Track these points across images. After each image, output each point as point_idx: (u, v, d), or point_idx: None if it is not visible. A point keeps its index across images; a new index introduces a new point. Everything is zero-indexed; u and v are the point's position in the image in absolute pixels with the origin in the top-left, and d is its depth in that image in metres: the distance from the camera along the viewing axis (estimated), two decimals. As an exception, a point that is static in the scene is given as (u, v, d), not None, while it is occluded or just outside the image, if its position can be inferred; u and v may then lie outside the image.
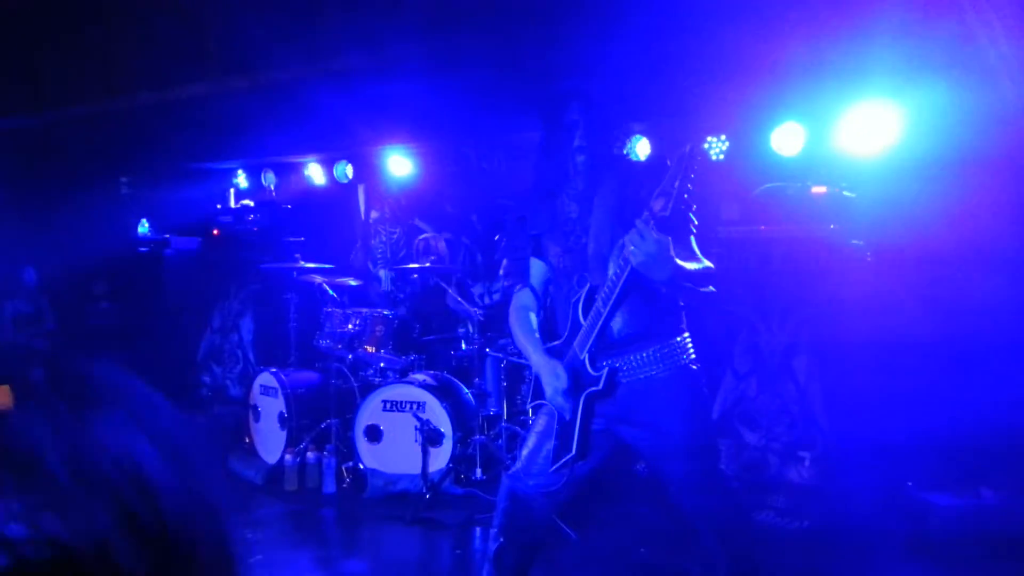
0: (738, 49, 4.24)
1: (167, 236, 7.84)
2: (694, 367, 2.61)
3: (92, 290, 7.73)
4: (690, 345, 2.64)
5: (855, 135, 4.68)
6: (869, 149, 4.64)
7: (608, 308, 2.49)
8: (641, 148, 5.27)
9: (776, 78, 4.40)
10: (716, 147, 5.06)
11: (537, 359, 2.68)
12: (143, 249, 7.90)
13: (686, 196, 2.34)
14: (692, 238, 2.57)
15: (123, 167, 8.10)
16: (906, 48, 4.08)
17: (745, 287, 4.69)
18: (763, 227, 4.90)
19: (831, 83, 4.54)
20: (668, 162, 2.50)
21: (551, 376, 2.61)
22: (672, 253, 2.33)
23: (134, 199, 8.26)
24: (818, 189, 4.76)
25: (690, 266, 2.44)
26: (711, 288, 2.54)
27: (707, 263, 2.55)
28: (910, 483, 3.94)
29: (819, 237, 4.62)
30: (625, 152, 5.27)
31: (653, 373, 2.57)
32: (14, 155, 7.01)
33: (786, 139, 4.93)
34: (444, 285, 5.36)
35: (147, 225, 8.06)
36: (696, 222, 2.56)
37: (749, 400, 4.65)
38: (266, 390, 5.48)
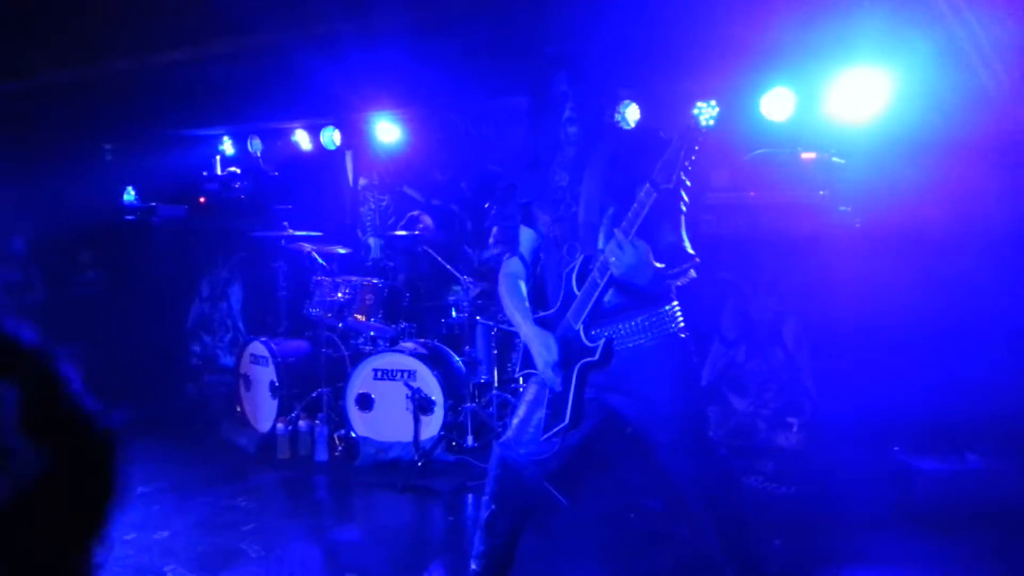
0: (728, 13, 4.20)
1: (153, 204, 7.76)
2: (683, 335, 2.63)
3: (78, 259, 7.67)
4: (679, 313, 2.65)
5: (845, 101, 4.67)
6: (859, 115, 4.62)
7: (604, 282, 2.50)
8: (630, 114, 5.23)
9: (766, 43, 4.36)
10: (706, 112, 5.03)
11: (527, 330, 2.68)
12: (129, 217, 7.83)
13: (688, 168, 2.35)
14: (682, 217, 2.57)
15: (107, 134, 7.99)
16: (896, 13, 4.06)
17: (734, 254, 4.70)
18: (752, 193, 4.89)
19: (821, 48, 4.51)
20: (661, 133, 2.49)
21: (542, 348, 2.62)
22: (651, 260, 2.34)
23: (119, 166, 8.16)
24: (807, 155, 4.76)
25: (663, 266, 2.45)
26: (692, 275, 2.56)
27: (689, 248, 2.55)
28: (896, 448, 4.00)
29: (808, 203, 4.63)
30: (616, 120, 5.24)
31: (642, 342, 2.59)
32: (1, 122, 6.91)
33: (776, 104, 4.91)
34: (433, 253, 5.35)
35: (133, 193, 7.98)
36: (687, 200, 2.57)
37: (738, 366, 4.69)
38: (256, 359, 5.49)
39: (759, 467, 4.28)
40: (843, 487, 4.08)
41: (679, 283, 2.58)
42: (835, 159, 4.68)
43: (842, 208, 4.57)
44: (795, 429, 4.41)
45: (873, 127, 4.57)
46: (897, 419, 4.10)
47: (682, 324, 2.66)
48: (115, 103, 6.78)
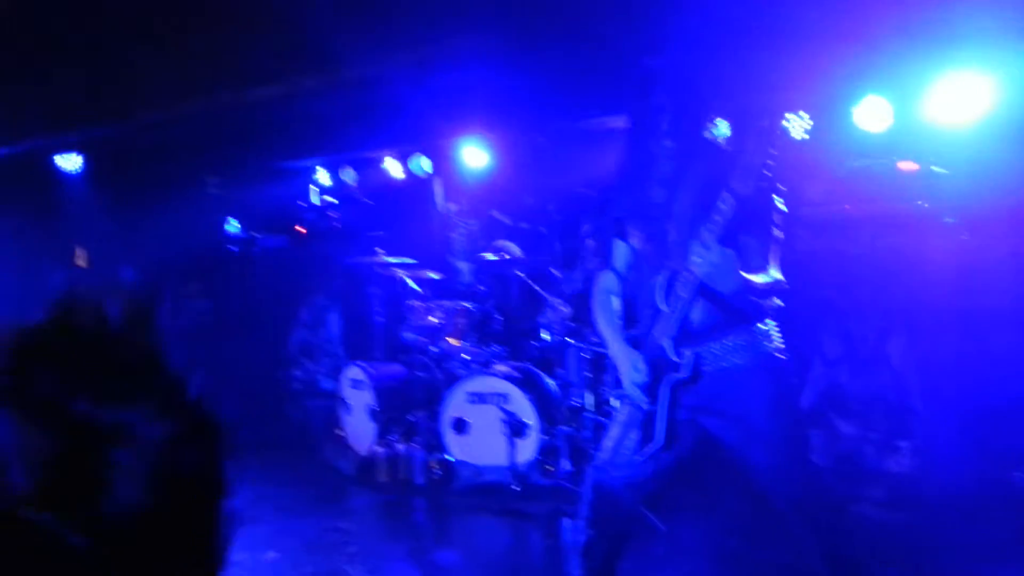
0: (818, 19, 4.11)
1: (254, 234, 8.10)
2: (780, 355, 2.57)
3: (186, 289, 8.06)
4: (775, 332, 2.60)
5: (944, 108, 4.48)
6: (960, 122, 4.43)
7: (689, 297, 2.48)
8: (722, 129, 5.16)
9: (859, 49, 4.25)
10: (797, 125, 4.91)
11: (616, 348, 2.68)
12: (232, 247, 8.19)
13: (768, 174, 2.31)
14: (772, 244, 2.52)
15: (210, 169, 8.40)
16: (998, 13, 3.89)
17: (832, 270, 4.56)
18: (849, 207, 4.75)
19: (917, 53, 4.36)
20: (748, 144, 2.47)
21: (629, 368, 2.61)
22: (736, 266, 2.32)
23: (222, 199, 8.56)
24: (906, 165, 4.59)
25: (756, 279, 2.40)
26: (777, 302, 2.51)
27: (777, 273, 2.50)
28: (1018, 473, 3.79)
29: (909, 216, 4.46)
30: (712, 135, 5.16)
31: (737, 361, 2.54)
32: (111, 160, 7.36)
33: (870, 114, 4.76)
34: (523, 276, 5.39)
35: (235, 224, 8.35)
36: (783, 208, 2.51)
37: (841, 388, 4.53)
38: (355, 383, 5.64)
39: (868, 493, 4.12)
40: (958, 514, 3.88)
41: (765, 303, 2.53)
42: (936, 169, 4.50)
43: (947, 220, 4.38)
44: (906, 453, 4.23)
45: (976, 134, 4.37)
46: (1016, 442, 3.88)
47: (780, 343, 2.60)
48: (217, 139, 7.13)
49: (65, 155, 7.19)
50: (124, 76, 5.91)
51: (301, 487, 5.02)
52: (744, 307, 2.50)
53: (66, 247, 8.14)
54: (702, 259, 2.34)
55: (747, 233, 2.45)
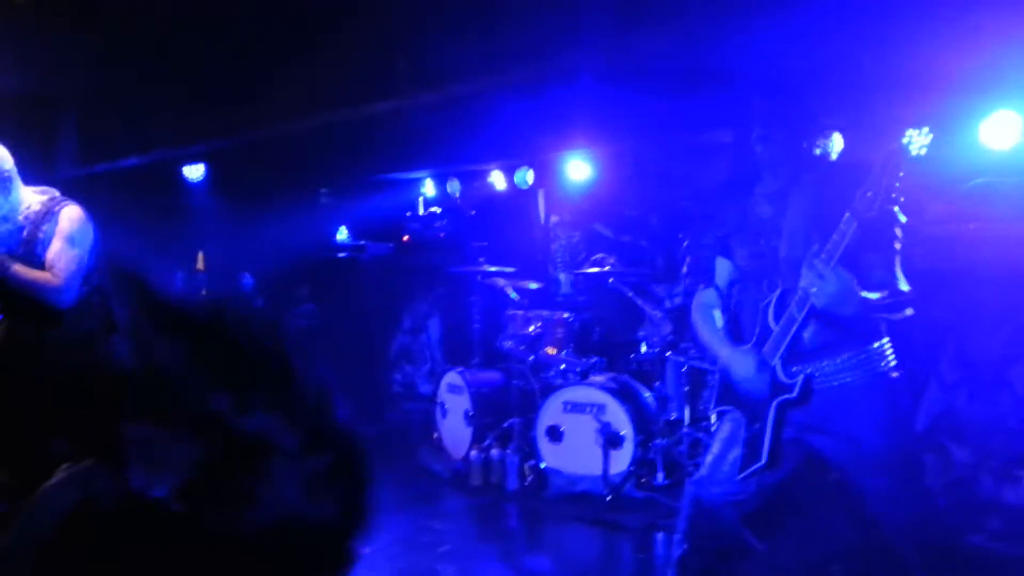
0: (942, 30, 3.94)
1: (363, 242, 8.38)
2: (894, 375, 2.47)
3: (296, 293, 8.40)
4: (889, 351, 2.49)
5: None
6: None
7: (802, 316, 2.41)
8: (835, 144, 5.00)
9: (986, 63, 4.04)
10: (917, 140, 4.71)
11: (725, 352, 2.63)
12: (341, 255, 8.49)
13: (893, 196, 2.23)
14: (896, 256, 2.42)
15: (323, 180, 8.75)
16: None
17: (953, 290, 4.33)
18: (972, 226, 4.51)
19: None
20: (872, 165, 2.38)
21: (741, 365, 2.56)
22: (856, 289, 2.23)
23: (333, 209, 8.90)
24: (1035, 183, 4.32)
25: (876, 296, 2.31)
26: (908, 312, 2.40)
27: (903, 285, 2.40)
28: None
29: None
30: (821, 151, 5.02)
31: (848, 380, 2.45)
32: (231, 170, 7.77)
33: (998, 130, 4.51)
34: (623, 288, 5.37)
35: (345, 232, 8.66)
36: (904, 220, 2.42)
37: (957, 412, 4.29)
38: (453, 388, 5.73)
39: (983, 524, 3.87)
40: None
41: (893, 317, 2.43)
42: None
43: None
44: (1026, 483, 3.96)
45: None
46: None
47: (893, 363, 2.49)
48: (331, 152, 7.42)
49: (191, 165, 7.63)
50: (246, 92, 6.25)
51: (398, 488, 5.13)
52: (863, 326, 2.42)
53: (188, 251, 8.63)
54: (818, 288, 2.27)
55: (869, 251, 2.37)
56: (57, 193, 3.28)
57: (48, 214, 3.14)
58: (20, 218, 3.14)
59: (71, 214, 3.15)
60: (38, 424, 3.00)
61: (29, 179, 3.33)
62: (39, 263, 3.08)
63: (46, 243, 3.10)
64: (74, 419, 3.01)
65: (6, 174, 3.11)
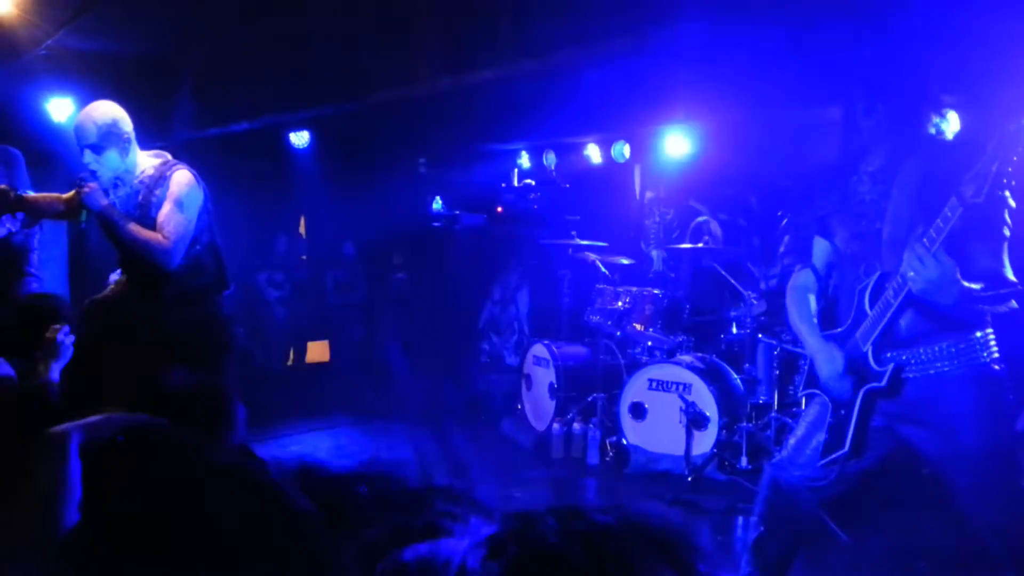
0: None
1: (457, 212, 8.49)
2: (996, 367, 2.34)
3: (391, 261, 8.60)
4: (993, 342, 2.36)
5: None
6: None
7: (899, 302, 2.30)
8: (951, 124, 4.73)
9: None
10: (1042, 122, 4.40)
11: (813, 343, 2.55)
12: (436, 224, 8.62)
13: (1005, 181, 2.10)
14: (1004, 243, 2.29)
15: (422, 150, 8.88)
16: None
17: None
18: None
19: None
20: (985, 147, 2.24)
21: (826, 362, 2.48)
22: (957, 277, 2.11)
23: (430, 179, 9.03)
24: None
25: (978, 287, 2.17)
26: (1013, 305, 2.26)
27: (1010, 275, 2.26)
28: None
29: None
30: (934, 130, 4.76)
31: (946, 369, 2.34)
32: (335, 138, 7.98)
33: None
34: (717, 267, 5.26)
35: (440, 202, 8.78)
36: (1014, 204, 2.27)
37: (1069, 411, 4.03)
38: (539, 360, 5.76)
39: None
40: None
41: (996, 310, 2.30)
42: None
43: None
44: None
45: None
46: None
47: (996, 355, 2.36)
48: (431, 122, 7.51)
49: (296, 132, 7.87)
50: (351, 61, 6.37)
51: (480, 455, 5.21)
52: (965, 314, 2.30)
53: (291, 215, 8.94)
54: (916, 272, 2.16)
55: (975, 239, 2.24)
56: (170, 157, 3.44)
57: (161, 178, 3.30)
58: (136, 182, 3.32)
59: (181, 178, 3.31)
60: (153, 371, 3.19)
61: (146, 141, 3.51)
62: (152, 225, 3.25)
63: (159, 206, 3.27)
64: (184, 371, 3.19)
65: (125, 136, 3.28)
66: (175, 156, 3.48)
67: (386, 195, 8.11)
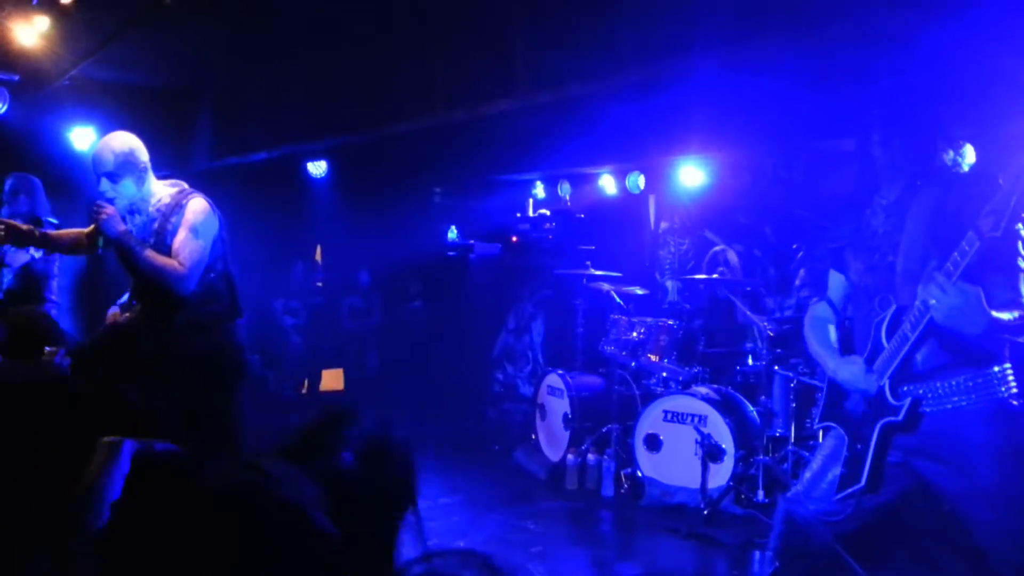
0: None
1: (472, 242, 8.52)
2: (1015, 402, 2.31)
3: (408, 289, 8.63)
4: (1011, 377, 2.33)
5: None
6: None
7: (916, 335, 2.29)
8: (967, 156, 4.72)
9: None
10: (1061, 154, 4.38)
11: (833, 363, 2.54)
12: (451, 253, 8.67)
13: (1023, 215, 2.09)
14: (1021, 274, 2.27)
15: (437, 179, 8.95)
16: None
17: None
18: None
19: None
20: (1000, 179, 2.23)
21: (849, 375, 2.46)
22: (984, 305, 2.09)
23: (445, 208, 9.09)
24: None
25: (1007, 316, 2.16)
26: None
27: None
28: None
29: None
30: (949, 163, 4.75)
31: (964, 404, 2.31)
32: (352, 167, 8.06)
33: None
34: (733, 298, 5.24)
35: (456, 231, 8.83)
36: None
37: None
38: (553, 390, 5.74)
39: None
40: None
41: (1020, 340, 2.27)
42: None
43: None
44: None
45: None
46: None
47: (1015, 390, 2.33)
48: (446, 152, 7.58)
49: (314, 161, 7.96)
50: (368, 91, 6.46)
51: (494, 486, 5.18)
52: (982, 348, 2.28)
53: (308, 244, 9.01)
54: (938, 301, 2.15)
55: (991, 272, 2.23)
56: (186, 186, 3.49)
57: (177, 207, 3.34)
58: (152, 210, 3.36)
59: (196, 206, 3.35)
60: (163, 399, 3.20)
61: (165, 170, 3.56)
62: (167, 252, 3.29)
63: (174, 233, 3.30)
64: (195, 397, 3.20)
65: (142, 165, 3.33)
66: (193, 185, 3.52)
67: (402, 224, 8.17)
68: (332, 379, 8.55)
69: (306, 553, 0.85)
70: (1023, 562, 2.27)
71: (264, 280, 7.66)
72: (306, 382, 8.32)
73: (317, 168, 7.97)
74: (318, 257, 9.08)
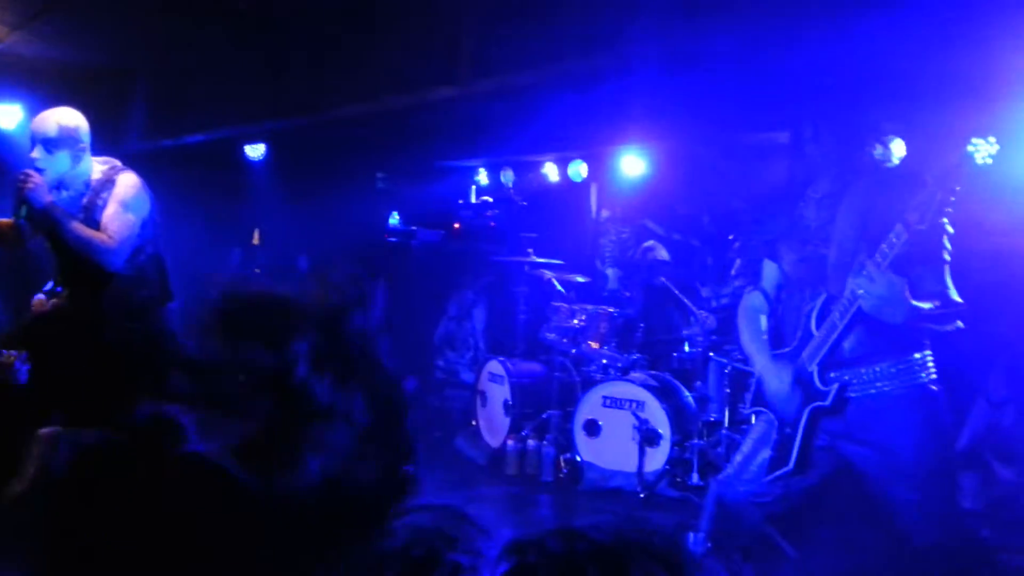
0: (1014, 35, 3.81)
1: (414, 228, 8.48)
2: (934, 387, 2.42)
3: (344, 276, 8.52)
4: (931, 363, 2.44)
5: None
6: None
7: (844, 323, 2.38)
8: (896, 150, 4.89)
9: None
10: (983, 150, 4.57)
11: (762, 361, 2.63)
12: (392, 239, 8.60)
13: (946, 209, 2.19)
14: (946, 267, 2.38)
15: (379, 164, 8.86)
16: None
17: (1010, 304, 4.20)
18: (1035, 239, 4.36)
19: None
20: (927, 175, 2.33)
21: (774, 379, 2.55)
22: (907, 295, 2.19)
23: (387, 194, 9.01)
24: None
25: (927, 305, 2.26)
26: (958, 325, 2.35)
27: (955, 296, 2.35)
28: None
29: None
30: (879, 157, 4.91)
31: (887, 389, 2.41)
32: (291, 151, 7.93)
33: (1069, 141, 4.34)
34: (671, 286, 5.33)
35: (397, 217, 8.76)
36: (951, 231, 2.37)
37: (1004, 431, 4.17)
38: (494, 377, 5.77)
39: (1022, 544, 3.76)
40: None
41: (942, 329, 2.38)
42: None
43: None
44: (1072, 507, 3.84)
45: None
46: None
47: (934, 375, 2.44)
48: (389, 137, 7.51)
49: (252, 144, 7.80)
50: (309, 74, 6.36)
51: (435, 471, 5.19)
52: (906, 336, 2.38)
53: (246, 228, 8.83)
54: (866, 290, 2.24)
55: (918, 261, 2.33)
56: (119, 163, 3.41)
57: (108, 182, 3.27)
58: (81, 185, 3.27)
59: (128, 181, 3.28)
60: (92, 387, 3.12)
61: (96, 151, 3.46)
62: (96, 228, 3.20)
63: (104, 208, 3.23)
64: (124, 385, 3.13)
65: (82, 145, 3.25)
66: (125, 166, 3.44)
67: (342, 209, 8.06)
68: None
69: (227, 515, 0.82)
70: (943, 540, 2.39)
71: (201, 265, 7.49)
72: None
73: (255, 151, 7.81)
74: (256, 242, 8.91)
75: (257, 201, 8.24)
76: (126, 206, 3.23)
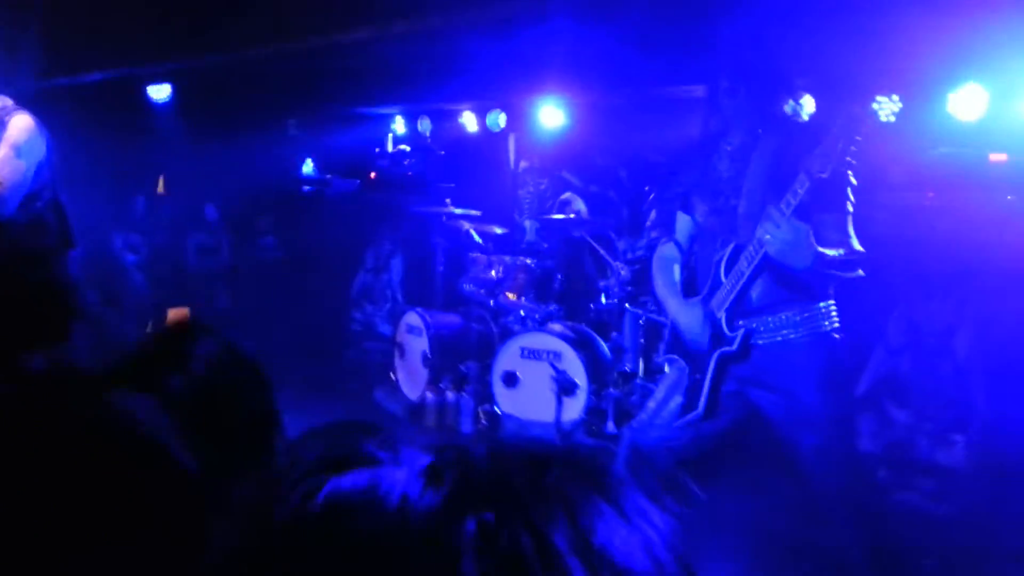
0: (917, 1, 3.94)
1: (329, 176, 8.26)
2: (836, 335, 2.53)
3: (258, 224, 8.29)
4: (834, 312, 2.55)
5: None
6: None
7: (751, 270, 2.45)
8: (806, 105, 5.01)
9: (959, 35, 4.05)
10: (887, 108, 4.74)
11: (674, 304, 2.69)
12: (307, 188, 8.37)
13: (848, 159, 2.26)
14: (849, 217, 2.47)
15: (292, 110, 8.56)
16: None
17: (907, 257, 4.41)
18: (932, 194, 4.57)
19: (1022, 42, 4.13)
20: (832, 128, 2.39)
21: (686, 317, 2.62)
22: (812, 241, 2.26)
23: (300, 141, 8.73)
24: (997, 157, 4.38)
25: (832, 252, 2.35)
26: (860, 273, 2.44)
27: (857, 245, 2.45)
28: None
29: (994, 210, 4.27)
30: (790, 112, 5.04)
31: (792, 336, 2.51)
32: (198, 93, 7.57)
33: (965, 102, 4.54)
34: (588, 238, 5.38)
35: (311, 165, 8.52)
36: (855, 182, 2.45)
37: (901, 377, 4.41)
38: (411, 329, 5.73)
39: (917, 484, 4.01)
40: (1012, 514, 3.74)
41: (845, 276, 2.48)
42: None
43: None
44: (959, 446, 4.10)
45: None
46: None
47: (836, 324, 2.55)
48: (301, 81, 7.25)
49: (156, 85, 7.41)
50: (217, 12, 6.05)
51: (352, 424, 5.15)
52: (811, 283, 2.46)
53: (150, 175, 8.44)
54: (772, 236, 2.30)
55: (822, 211, 2.40)
56: (10, 102, 3.19)
57: None
58: None
59: (20, 123, 3.08)
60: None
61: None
62: None
63: None
64: (26, 335, 2.98)
65: None
66: (18, 105, 3.22)
67: (253, 156, 7.77)
68: (179, 318, 8.15)
69: (166, 491, 0.82)
70: (843, 485, 2.52)
71: (102, 213, 7.13)
72: (150, 323, 7.90)
73: (160, 92, 7.43)
74: (161, 190, 8.54)
75: (162, 146, 7.87)
76: (18, 151, 3.04)
